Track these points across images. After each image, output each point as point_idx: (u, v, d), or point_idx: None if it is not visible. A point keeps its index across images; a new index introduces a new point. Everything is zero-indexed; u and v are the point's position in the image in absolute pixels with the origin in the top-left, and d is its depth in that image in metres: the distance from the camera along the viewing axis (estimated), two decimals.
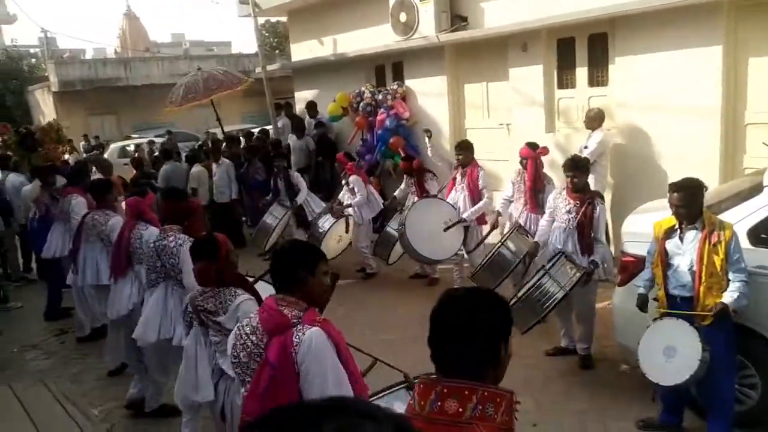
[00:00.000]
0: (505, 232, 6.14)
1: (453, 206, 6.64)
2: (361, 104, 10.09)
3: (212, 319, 3.25)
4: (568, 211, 4.92)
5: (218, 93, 9.04)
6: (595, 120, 7.01)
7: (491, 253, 5.71)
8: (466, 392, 1.55)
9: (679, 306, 3.79)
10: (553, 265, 4.72)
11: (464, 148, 6.69)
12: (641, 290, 4.04)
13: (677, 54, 6.62)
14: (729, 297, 3.61)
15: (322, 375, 2.32)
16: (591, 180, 6.94)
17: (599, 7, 6.93)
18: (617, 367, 4.92)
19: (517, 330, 4.13)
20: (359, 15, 10.43)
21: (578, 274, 4.62)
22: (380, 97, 9.88)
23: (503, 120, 8.71)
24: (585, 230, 4.83)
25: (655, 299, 3.95)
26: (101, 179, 6.72)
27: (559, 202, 5.05)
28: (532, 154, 6.03)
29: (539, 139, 7.96)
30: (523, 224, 5.94)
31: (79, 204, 6.21)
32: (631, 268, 4.36)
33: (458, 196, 6.67)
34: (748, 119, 6.40)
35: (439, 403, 1.56)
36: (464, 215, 6.53)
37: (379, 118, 9.77)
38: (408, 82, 9.91)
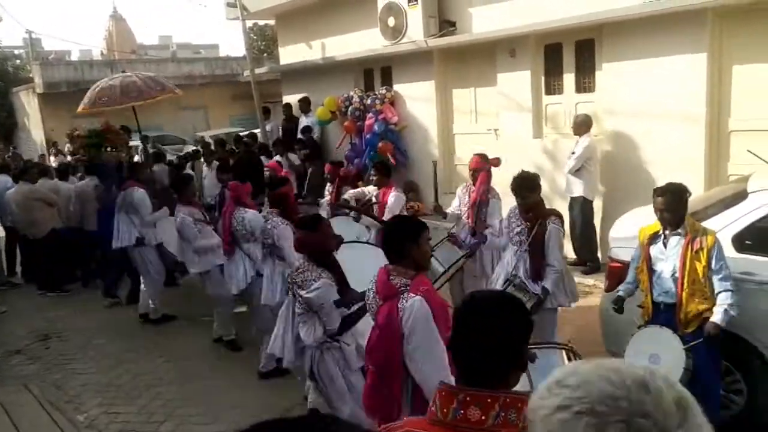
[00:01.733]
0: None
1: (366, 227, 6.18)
2: (350, 108, 10.10)
3: (298, 293, 3.73)
4: (519, 233, 4.62)
5: (135, 102, 8.37)
6: (582, 126, 7.06)
7: None
8: (489, 400, 1.55)
9: (663, 313, 3.82)
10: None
11: (379, 170, 6.47)
12: (620, 293, 4.07)
13: (663, 61, 6.69)
14: (718, 315, 3.62)
15: (425, 348, 2.64)
16: (579, 185, 7.06)
17: (586, 13, 6.99)
18: None
19: None
20: (348, 19, 10.44)
21: (527, 304, 4.16)
22: (369, 101, 9.90)
23: (491, 125, 8.75)
24: (535, 254, 4.50)
25: (641, 306, 3.98)
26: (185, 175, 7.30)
27: (512, 222, 4.75)
28: (484, 166, 5.64)
29: (527, 145, 8.09)
30: (462, 238, 5.59)
31: (141, 195, 6.88)
32: (618, 273, 4.38)
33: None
34: (732, 126, 6.48)
35: (462, 411, 1.56)
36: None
37: (367, 122, 9.79)
38: (396, 87, 9.93)
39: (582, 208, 7.05)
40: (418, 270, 2.85)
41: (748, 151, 4.91)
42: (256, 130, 13.08)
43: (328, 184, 7.53)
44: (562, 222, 4.65)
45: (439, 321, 2.68)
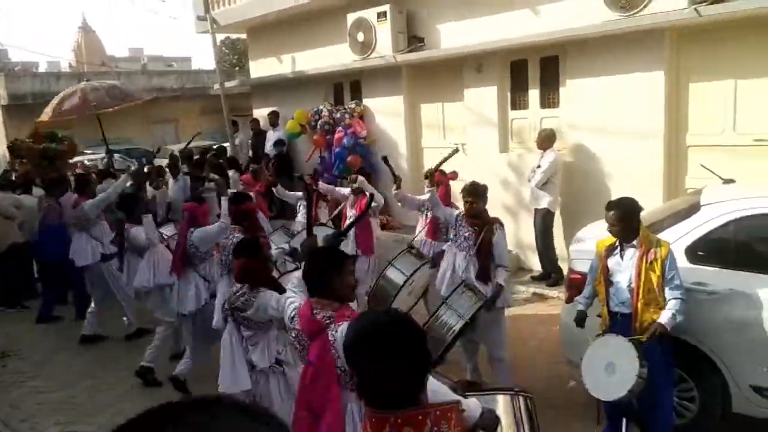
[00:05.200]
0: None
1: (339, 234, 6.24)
2: (320, 122, 10.14)
3: (241, 315, 3.66)
4: (467, 237, 4.82)
5: (96, 111, 8.22)
6: (546, 140, 7.19)
7: (378, 275, 5.45)
8: (420, 417, 1.56)
9: (620, 323, 3.90)
10: (451, 294, 4.52)
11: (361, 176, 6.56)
12: (580, 307, 4.15)
13: (623, 78, 6.87)
14: (665, 317, 3.73)
15: None
16: (545, 198, 7.18)
17: (549, 31, 7.16)
18: (566, 384, 5.00)
19: None
20: (318, 34, 10.51)
21: (479, 303, 4.39)
22: (338, 115, 9.95)
23: (459, 140, 8.85)
24: (484, 256, 4.72)
25: (599, 316, 4.06)
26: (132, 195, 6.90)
27: (459, 227, 4.93)
28: (443, 180, 5.84)
29: (493, 159, 8.21)
30: (419, 248, 5.76)
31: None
32: (578, 284, 4.46)
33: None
34: (690, 141, 6.67)
35: None
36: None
37: (336, 136, 9.83)
38: (366, 101, 10.00)
39: (546, 220, 7.17)
40: (341, 302, 2.76)
41: (701, 165, 5.06)
42: (226, 144, 13.02)
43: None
44: (503, 229, 4.90)
45: None
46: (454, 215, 5.02)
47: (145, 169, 8.82)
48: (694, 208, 4.30)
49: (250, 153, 12.10)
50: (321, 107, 10.29)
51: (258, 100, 12.37)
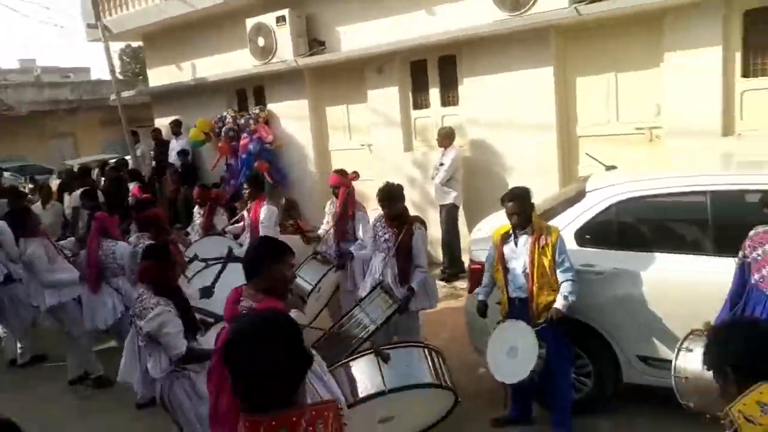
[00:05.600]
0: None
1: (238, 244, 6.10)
2: (224, 129, 9.94)
3: (137, 323, 3.62)
4: (386, 240, 4.80)
5: None
6: (447, 138, 7.39)
7: None
8: (294, 418, 1.54)
9: (518, 307, 4.07)
10: (366, 297, 4.36)
11: (251, 183, 6.43)
12: (480, 297, 4.30)
13: (516, 75, 7.18)
14: (559, 301, 3.93)
15: None
16: (450, 194, 7.37)
17: (445, 31, 7.37)
18: (476, 371, 5.15)
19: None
20: (217, 39, 10.29)
21: (393, 307, 4.21)
22: (242, 121, 9.79)
23: (365, 141, 8.94)
24: (403, 258, 4.70)
25: (499, 303, 4.21)
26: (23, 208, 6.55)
27: (378, 230, 4.92)
28: (343, 182, 5.75)
29: (399, 158, 8.34)
30: (328, 252, 5.66)
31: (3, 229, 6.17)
32: (479, 274, 4.60)
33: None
34: (580, 132, 7.06)
35: None
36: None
37: (242, 142, 9.67)
38: (270, 106, 9.89)
39: (452, 215, 7.37)
40: (271, 294, 2.64)
41: (586, 154, 5.35)
42: (128, 156, 12.50)
43: (197, 207, 7.34)
44: (425, 228, 4.90)
45: None
46: (373, 223, 4.99)
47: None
48: (580, 195, 4.55)
49: (153, 164, 11.68)
50: (224, 114, 10.09)
51: (159, 110, 11.96)
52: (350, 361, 3.29)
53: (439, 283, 7.44)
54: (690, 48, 6.04)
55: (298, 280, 5.11)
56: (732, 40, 5.92)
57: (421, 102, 8.36)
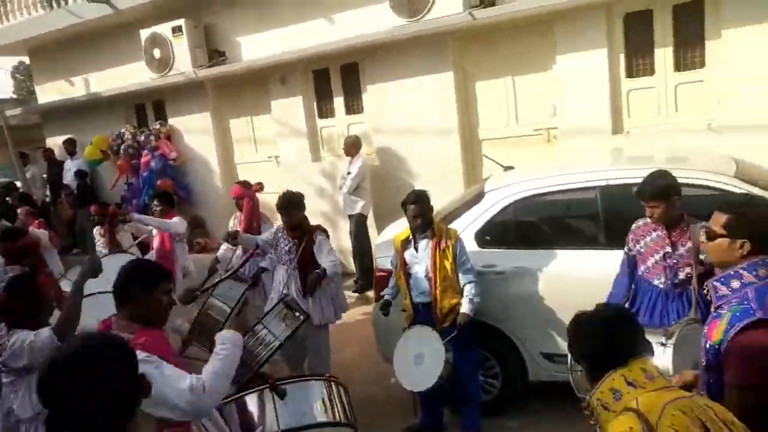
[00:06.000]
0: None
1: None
2: (123, 146, 9.45)
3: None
4: (288, 251, 4.64)
5: None
6: (353, 147, 7.31)
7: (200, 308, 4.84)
8: None
9: (422, 312, 4.02)
10: (269, 313, 4.06)
11: (161, 200, 6.12)
12: (387, 297, 4.22)
13: (418, 81, 7.21)
14: (465, 306, 3.90)
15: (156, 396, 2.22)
16: (358, 204, 7.28)
17: (344, 38, 7.31)
18: (387, 380, 5.06)
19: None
20: (110, 52, 9.79)
21: (297, 321, 3.84)
22: (143, 137, 9.35)
23: (271, 153, 8.72)
24: (306, 269, 4.52)
25: (403, 310, 4.15)
26: None
27: (280, 242, 4.72)
28: (246, 193, 5.59)
29: (307, 169, 8.19)
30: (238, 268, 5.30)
31: None
32: (384, 282, 4.52)
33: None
34: (482, 135, 7.17)
35: None
36: None
37: (143, 160, 9.23)
38: (171, 121, 9.49)
39: (360, 225, 7.28)
40: (147, 325, 2.38)
41: (485, 156, 5.42)
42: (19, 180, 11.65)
43: (98, 226, 6.98)
44: (328, 236, 4.77)
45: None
46: (271, 235, 4.80)
47: None
48: (479, 196, 4.57)
49: (47, 186, 10.94)
50: (123, 130, 9.59)
51: (51, 128, 11.23)
52: (244, 395, 3.07)
53: (353, 295, 7.36)
54: (579, 51, 6.26)
55: (217, 302, 4.83)
56: (615, 42, 6.19)
57: (326, 111, 8.26)
